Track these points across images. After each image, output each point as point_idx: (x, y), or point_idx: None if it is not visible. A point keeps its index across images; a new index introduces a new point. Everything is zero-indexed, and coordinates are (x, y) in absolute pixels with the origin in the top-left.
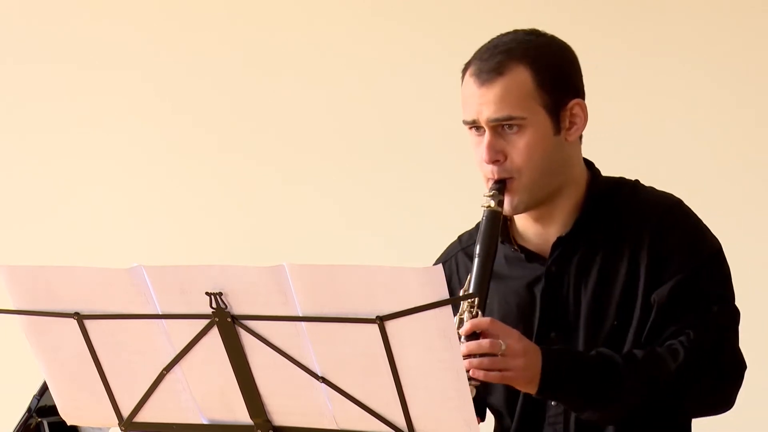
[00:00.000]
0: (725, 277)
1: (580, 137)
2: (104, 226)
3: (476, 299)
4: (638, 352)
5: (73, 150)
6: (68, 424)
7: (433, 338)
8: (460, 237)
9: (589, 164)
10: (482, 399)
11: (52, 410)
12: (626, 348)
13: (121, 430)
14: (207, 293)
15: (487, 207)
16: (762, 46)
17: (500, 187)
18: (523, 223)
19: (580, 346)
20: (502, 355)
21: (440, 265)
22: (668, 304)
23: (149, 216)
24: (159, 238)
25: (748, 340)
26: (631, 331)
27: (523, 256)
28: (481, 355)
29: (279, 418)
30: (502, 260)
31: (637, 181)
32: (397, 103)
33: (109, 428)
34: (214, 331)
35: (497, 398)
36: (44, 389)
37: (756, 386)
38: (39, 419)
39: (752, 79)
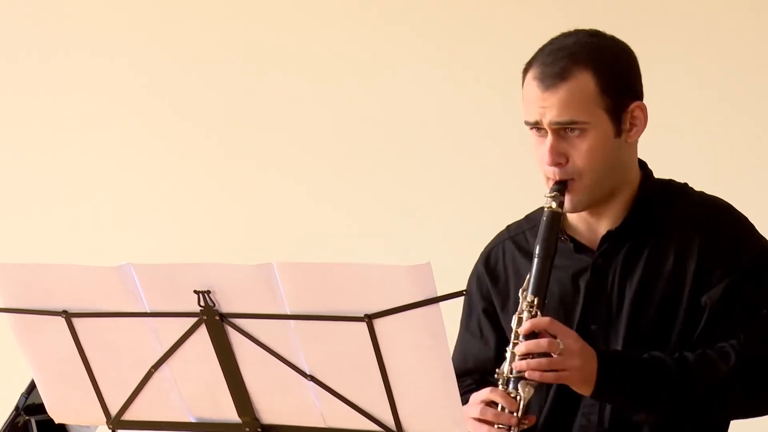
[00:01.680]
0: None
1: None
2: (93, 224)
3: (536, 299)
4: (690, 356)
5: (63, 147)
6: (56, 422)
7: (422, 336)
8: (508, 226)
9: (642, 164)
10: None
11: (40, 408)
12: (669, 349)
13: (109, 428)
14: (195, 291)
15: (549, 208)
16: (745, 45)
17: (561, 188)
18: (575, 215)
19: (620, 341)
20: (559, 355)
21: (429, 263)
22: (719, 307)
23: (138, 214)
24: (147, 236)
25: None
26: (675, 331)
27: (572, 246)
28: (539, 355)
29: (267, 417)
30: None
31: (685, 183)
32: (392, 103)
33: (97, 426)
34: (203, 329)
35: None
36: (32, 387)
37: None
38: (27, 417)
39: (741, 80)
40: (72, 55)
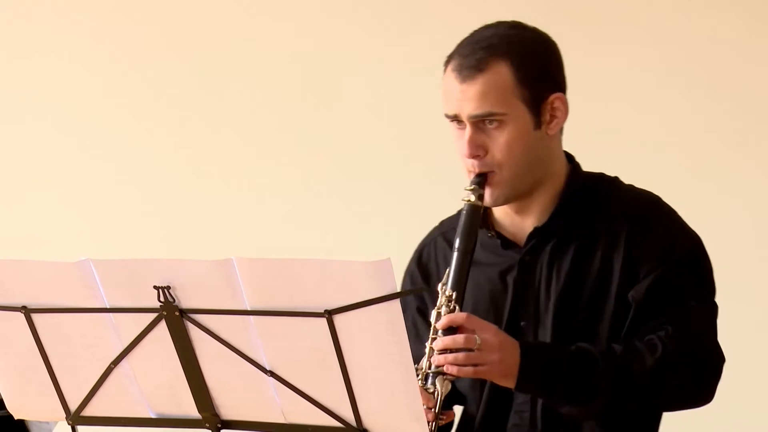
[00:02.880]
0: (704, 273)
1: (561, 130)
2: (52, 219)
3: (454, 293)
4: (617, 347)
5: (23, 144)
6: (15, 417)
7: (382, 332)
8: (441, 222)
9: (569, 157)
10: (451, 399)
11: None
12: (598, 343)
13: (69, 423)
14: (155, 287)
15: (468, 201)
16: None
17: (480, 180)
18: (501, 211)
19: (549, 337)
20: (477, 349)
21: (389, 259)
22: (646, 300)
23: (97, 210)
24: (107, 231)
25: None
26: (603, 326)
27: (498, 242)
28: (457, 350)
29: (227, 412)
30: (477, 246)
31: (616, 177)
32: (354, 103)
33: (56, 422)
34: (162, 325)
35: (463, 385)
36: None
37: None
38: None
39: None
40: (35, 53)
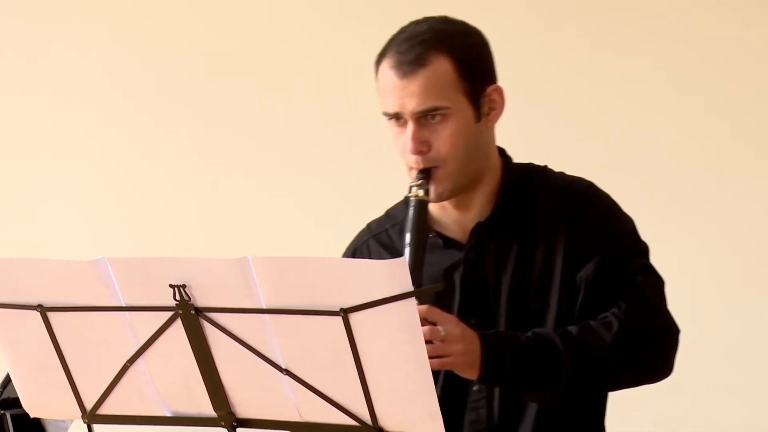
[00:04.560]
0: (644, 250)
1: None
2: (68, 219)
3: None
4: (573, 329)
5: (35, 145)
6: (31, 416)
7: (397, 331)
8: (369, 224)
9: (501, 150)
10: None
11: (15, 402)
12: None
13: (84, 422)
14: (171, 285)
15: (415, 197)
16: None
17: (426, 176)
18: (440, 209)
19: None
20: (441, 341)
21: (404, 258)
22: (595, 282)
23: (115, 208)
24: (124, 230)
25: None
26: (551, 315)
27: (440, 242)
28: None
29: (243, 411)
30: None
31: (545, 166)
32: (358, 102)
33: (72, 421)
34: (178, 324)
35: None
36: (7, 381)
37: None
38: (2, 411)
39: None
40: (39, 52)
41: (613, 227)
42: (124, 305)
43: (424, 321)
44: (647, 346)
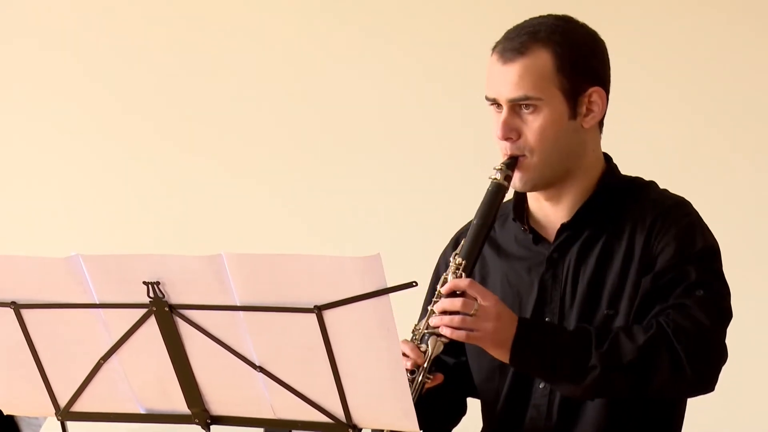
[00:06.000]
0: (716, 274)
1: (600, 127)
2: (41, 215)
3: (464, 261)
4: (615, 328)
5: (8, 140)
6: (5, 413)
7: (371, 328)
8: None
9: (608, 158)
10: (462, 390)
11: None
12: None
13: (58, 419)
14: (144, 282)
15: (494, 179)
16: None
17: (511, 163)
18: (534, 203)
19: None
20: (474, 315)
21: (378, 254)
22: (653, 287)
23: (87, 205)
24: (96, 227)
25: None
26: (619, 321)
27: (531, 237)
28: (454, 312)
29: (217, 408)
30: (512, 239)
31: (651, 181)
32: (342, 99)
33: (46, 418)
34: (152, 321)
35: (480, 378)
36: None
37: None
38: None
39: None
40: (31, 49)
41: (693, 242)
42: (97, 302)
43: (465, 294)
44: (681, 355)
